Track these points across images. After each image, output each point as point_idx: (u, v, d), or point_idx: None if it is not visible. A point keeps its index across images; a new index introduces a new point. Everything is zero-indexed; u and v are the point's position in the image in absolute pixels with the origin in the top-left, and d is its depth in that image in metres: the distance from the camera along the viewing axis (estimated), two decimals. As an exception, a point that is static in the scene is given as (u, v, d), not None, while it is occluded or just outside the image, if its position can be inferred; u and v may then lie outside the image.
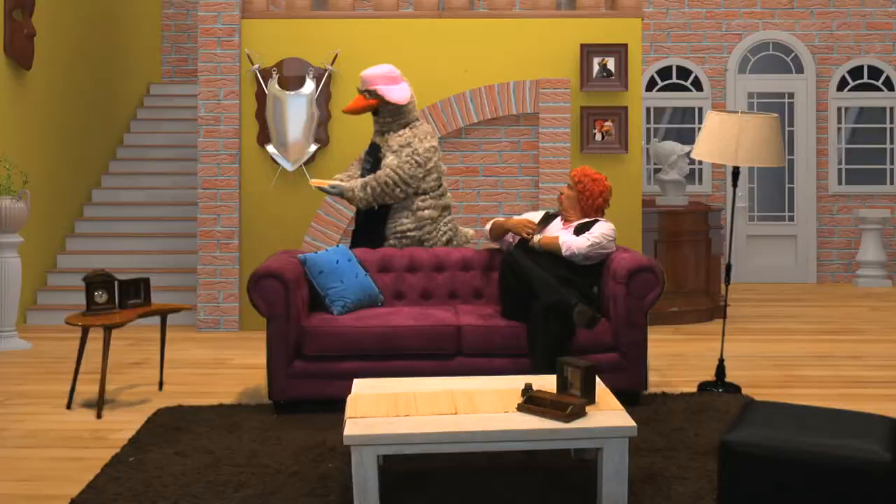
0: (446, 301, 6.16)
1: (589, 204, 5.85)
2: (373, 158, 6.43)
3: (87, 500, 4.12)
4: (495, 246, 6.49)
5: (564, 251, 5.67)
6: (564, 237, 5.71)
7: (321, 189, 6.31)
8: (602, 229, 5.73)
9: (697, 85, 11.22)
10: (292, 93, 8.07)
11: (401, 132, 6.36)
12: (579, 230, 5.78)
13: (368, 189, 6.21)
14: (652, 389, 6.05)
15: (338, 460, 4.62)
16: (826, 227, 11.15)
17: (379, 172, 6.23)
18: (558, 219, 6.00)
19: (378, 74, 6.36)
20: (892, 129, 11.19)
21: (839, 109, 11.17)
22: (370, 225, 6.39)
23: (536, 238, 5.77)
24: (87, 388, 6.18)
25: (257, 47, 8.19)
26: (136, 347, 7.47)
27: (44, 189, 8.95)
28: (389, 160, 6.25)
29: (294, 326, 5.48)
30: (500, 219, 6.05)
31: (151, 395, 5.99)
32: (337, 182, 6.35)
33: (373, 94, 6.36)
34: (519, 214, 8.22)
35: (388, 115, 6.35)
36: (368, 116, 8.20)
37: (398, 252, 6.21)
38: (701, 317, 8.56)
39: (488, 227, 6.09)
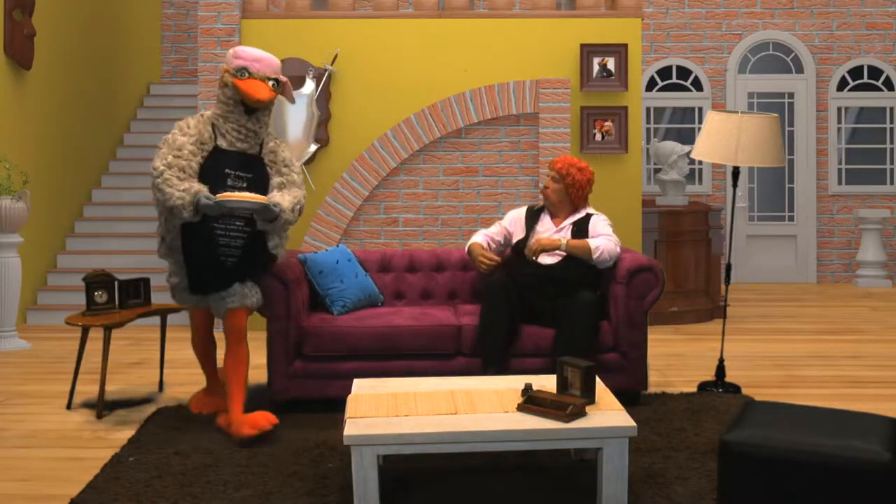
0: (446, 301, 6.16)
1: (578, 195, 5.73)
2: (252, 174, 5.15)
3: (87, 500, 4.12)
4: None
5: (596, 256, 5.52)
6: (596, 241, 5.55)
7: (243, 205, 4.93)
8: (607, 227, 5.66)
9: (697, 85, 11.22)
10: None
11: (273, 138, 5.32)
12: (578, 228, 5.71)
13: (296, 211, 5.20)
14: (652, 389, 6.05)
15: (338, 460, 4.62)
16: (826, 227, 11.15)
17: (297, 192, 5.21)
18: (545, 215, 5.85)
19: (278, 64, 5.26)
20: (892, 129, 11.19)
21: (839, 109, 11.17)
22: (256, 255, 5.23)
23: (564, 242, 5.54)
24: (87, 388, 6.18)
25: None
26: (136, 347, 7.47)
27: (44, 189, 8.95)
28: (294, 178, 5.28)
29: (294, 326, 5.48)
30: (475, 243, 5.83)
31: (151, 395, 5.99)
32: (277, 199, 5.10)
33: (280, 87, 5.25)
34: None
35: (267, 116, 5.26)
36: (368, 114, 8.19)
37: (398, 252, 6.21)
38: (701, 317, 8.56)
39: (466, 249, 5.96)
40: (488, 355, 5.38)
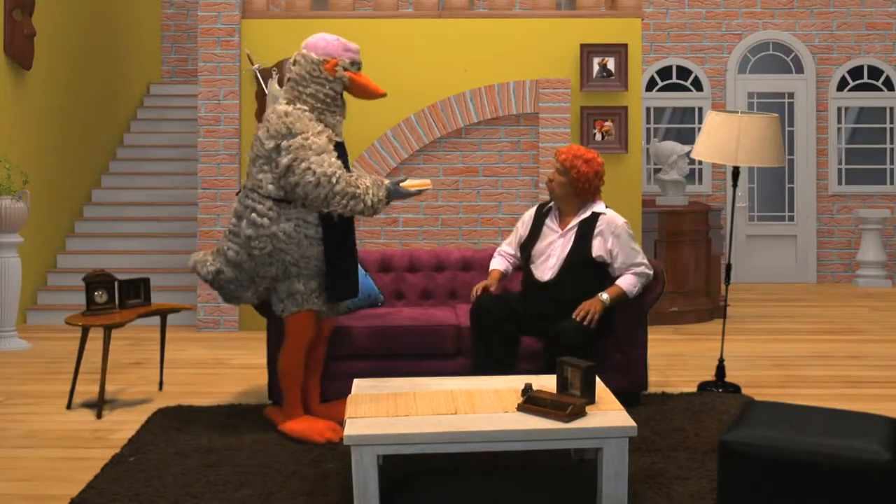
0: (446, 301, 6.16)
1: (585, 188, 5.33)
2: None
3: (87, 500, 4.12)
4: (492, 247, 6.44)
5: (633, 295, 5.33)
6: (625, 283, 5.29)
7: (413, 193, 4.89)
8: (631, 240, 5.33)
9: (697, 85, 11.22)
10: (292, 93, 8.07)
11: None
12: (582, 232, 5.35)
13: None
14: (652, 389, 6.05)
15: (338, 460, 4.62)
16: (826, 227, 11.15)
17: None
18: (553, 216, 5.48)
19: None
20: (892, 129, 11.19)
21: (839, 109, 11.17)
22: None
23: (605, 296, 5.21)
24: (87, 388, 6.18)
25: (257, 47, 8.19)
26: (136, 347, 7.47)
27: (44, 189, 8.95)
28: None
29: (294, 326, 5.48)
30: (493, 271, 5.55)
31: (151, 395, 5.99)
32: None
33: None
34: (519, 215, 8.23)
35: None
36: (368, 114, 8.19)
37: (398, 252, 6.21)
38: (701, 317, 8.56)
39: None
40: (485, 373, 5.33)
